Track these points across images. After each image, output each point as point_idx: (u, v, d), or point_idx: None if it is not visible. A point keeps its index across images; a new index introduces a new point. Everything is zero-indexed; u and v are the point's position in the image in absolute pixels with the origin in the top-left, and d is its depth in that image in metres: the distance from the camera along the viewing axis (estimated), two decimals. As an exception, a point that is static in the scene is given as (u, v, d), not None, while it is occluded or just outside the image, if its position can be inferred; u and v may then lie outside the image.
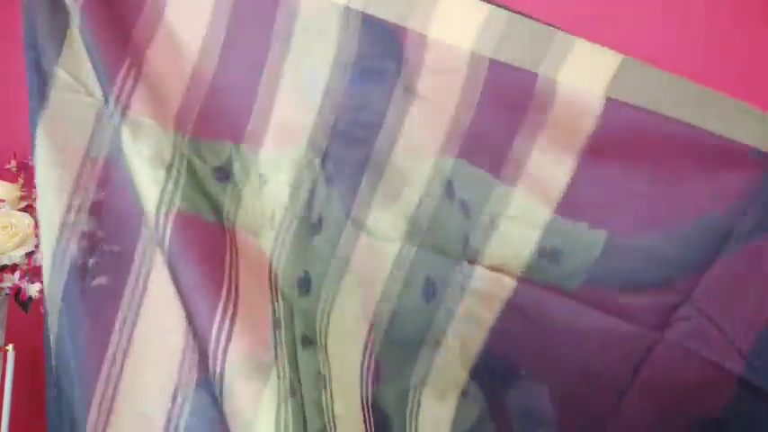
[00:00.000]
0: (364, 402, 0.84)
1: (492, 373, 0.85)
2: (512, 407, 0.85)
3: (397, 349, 0.85)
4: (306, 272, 0.84)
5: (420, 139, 0.82)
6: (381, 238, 0.85)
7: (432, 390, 0.86)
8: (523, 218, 0.80)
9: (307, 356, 0.83)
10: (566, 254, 0.79)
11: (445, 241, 0.84)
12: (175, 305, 0.77)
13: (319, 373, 0.83)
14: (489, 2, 0.76)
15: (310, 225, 0.84)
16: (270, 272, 0.83)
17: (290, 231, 0.84)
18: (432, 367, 0.85)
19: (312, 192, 0.84)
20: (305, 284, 0.84)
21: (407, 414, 0.85)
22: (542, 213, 0.80)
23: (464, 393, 0.86)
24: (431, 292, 0.84)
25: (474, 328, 0.84)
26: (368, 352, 0.85)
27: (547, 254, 0.80)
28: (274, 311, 0.81)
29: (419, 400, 0.86)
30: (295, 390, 0.80)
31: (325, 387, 0.83)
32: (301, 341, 0.84)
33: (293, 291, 0.83)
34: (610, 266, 0.78)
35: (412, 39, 0.77)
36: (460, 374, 0.86)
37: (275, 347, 0.79)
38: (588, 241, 0.78)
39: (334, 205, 0.85)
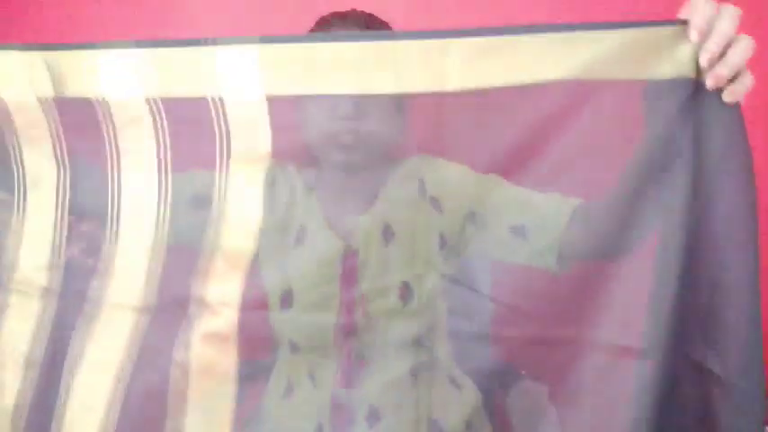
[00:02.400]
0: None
1: (492, 373, 0.87)
2: (512, 407, 0.88)
3: (378, 352, 0.85)
4: (288, 285, 0.84)
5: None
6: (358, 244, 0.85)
7: (421, 382, 0.86)
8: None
9: (296, 361, 0.87)
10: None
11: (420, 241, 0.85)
12: None
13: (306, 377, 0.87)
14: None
15: (292, 236, 0.86)
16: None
17: (272, 245, 0.83)
18: (417, 363, 0.86)
19: (291, 201, 0.86)
20: (287, 299, 0.84)
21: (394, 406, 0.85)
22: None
23: (457, 386, 0.87)
24: (408, 294, 0.84)
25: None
26: (340, 361, 0.85)
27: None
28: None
29: (404, 393, 0.86)
30: (292, 388, 0.86)
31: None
32: (290, 348, 0.88)
33: (276, 304, 0.84)
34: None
35: None
36: (451, 368, 0.87)
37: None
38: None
39: (315, 214, 0.87)
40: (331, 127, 0.82)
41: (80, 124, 0.76)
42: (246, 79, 0.69)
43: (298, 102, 0.81)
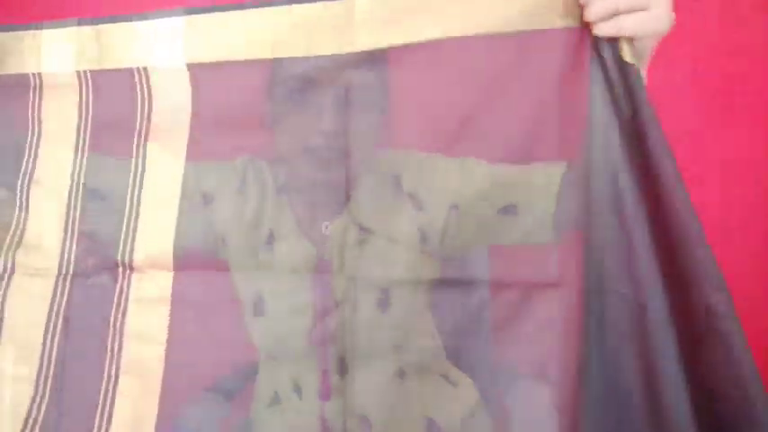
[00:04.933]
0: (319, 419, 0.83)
1: (492, 373, 0.83)
2: (512, 407, 0.83)
3: (359, 359, 0.81)
4: (259, 293, 0.81)
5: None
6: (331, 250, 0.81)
7: (409, 382, 0.82)
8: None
9: (279, 372, 0.85)
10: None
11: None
12: None
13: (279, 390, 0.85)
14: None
15: (261, 241, 0.82)
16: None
17: (241, 251, 0.82)
18: (403, 364, 0.82)
19: (261, 203, 0.82)
20: (260, 306, 0.82)
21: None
22: None
23: (451, 383, 0.84)
24: (386, 302, 0.80)
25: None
26: (321, 371, 0.82)
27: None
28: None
29: (392, 395, 0.82)
30: (279, 398, 0.84)
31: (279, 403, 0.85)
32: (268, 357, 0.85)
33: (250, 311, 0.82)
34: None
35: None
36: (443, 365, 0.84)
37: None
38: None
39: (286, 216, 0.83)
40: (311, 141, 0.79)
41: (10, 96, 0.78)
42: (170, 48, 0.72)
43: (276, 106, 0.80)
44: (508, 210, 0.77)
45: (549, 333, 0.74)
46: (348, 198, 0.81)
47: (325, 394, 0.82)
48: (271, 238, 0.82)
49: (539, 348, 0.76)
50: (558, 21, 0.67)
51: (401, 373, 0.82)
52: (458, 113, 0.74)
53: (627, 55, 0.66)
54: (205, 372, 0.81)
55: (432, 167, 0.80)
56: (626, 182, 0.67)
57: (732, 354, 0.63)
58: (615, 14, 0.65)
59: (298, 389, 0.84)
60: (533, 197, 0.76)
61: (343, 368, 0.81)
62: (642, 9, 0.65)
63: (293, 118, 0.79)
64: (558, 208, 0.75)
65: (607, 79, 0.67)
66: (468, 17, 0.68)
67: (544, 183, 0.75)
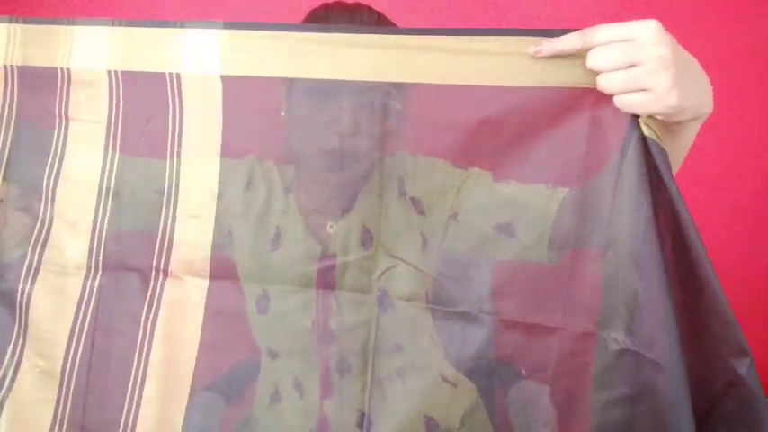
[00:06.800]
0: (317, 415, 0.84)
1: (492, 373, 0.84)
2: (512, 406, 0.85)
3: (359, 357, 0.82)
4: (264, 290, 0.82)
5: None
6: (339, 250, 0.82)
7: (409, 381, 0.83)
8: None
9: (279, 369, 0.86)
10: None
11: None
12: None
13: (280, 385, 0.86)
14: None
15: (267, 239, 0.83)
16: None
17: (247, 248, 0.82)
18: (403, 364, 0.83)
19: (268, 201, 0.83)
20: (264, 304, 0.82)
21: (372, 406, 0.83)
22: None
23: (450, 383, 0.85)
24: (388, 302, 0.81)
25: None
26: (322, 369, 0.83)
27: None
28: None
29: (393, 394, 0.83)
30: (280, 396, 0.85)
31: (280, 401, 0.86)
32: (269, 354, 0.86)
33: (253, 309, 0.82)
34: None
35: None
36: (443, 365, 0.84)
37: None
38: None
39: (293, 215, 0.84)
40: (326, 142, 0.80)
41: (37, 89, 0.77)
42: (205, 58, 0.72)
43: (292, 104, 0.79)
44: (503, 228, 0.79)
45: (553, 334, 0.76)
46: (355, 199, 0.83)
47: (326, 392, 0.83)
48: (277, 237, 0.82)
49: (542, 350, 0.77)
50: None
51: (401, 373, 0.83)
52: (472, 126, 0.74)
53: (644, 128, 0.65)
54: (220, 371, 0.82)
55: (435, 173, 0.82)
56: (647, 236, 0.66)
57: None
58: (620, 92, 0.64)
59: (299, 386, 0.85)
60: (530, 218, 0.78)
61: (344, 367, 0.82)
62: (641, 90, 0.63)
63: (309, 117, 0.80)
64: (554, 229, 0.77)
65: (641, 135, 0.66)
66: (500, 74, 0.69)
67: (542, 205, 0.77)
